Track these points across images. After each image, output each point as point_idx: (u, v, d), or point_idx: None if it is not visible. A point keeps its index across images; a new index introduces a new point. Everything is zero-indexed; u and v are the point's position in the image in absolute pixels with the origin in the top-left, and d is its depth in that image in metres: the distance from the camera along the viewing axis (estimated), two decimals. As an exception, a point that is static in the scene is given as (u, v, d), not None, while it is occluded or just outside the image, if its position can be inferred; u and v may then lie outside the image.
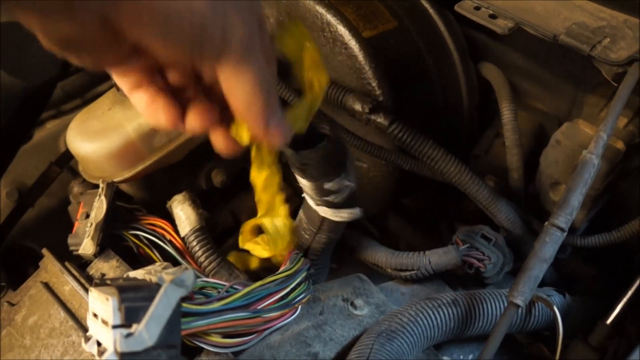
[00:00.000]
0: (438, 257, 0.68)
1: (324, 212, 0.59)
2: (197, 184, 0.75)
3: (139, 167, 0.66)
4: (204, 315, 0.47)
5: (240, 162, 0.82)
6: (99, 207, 0.60)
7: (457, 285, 0.75)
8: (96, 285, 0.45)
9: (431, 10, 0.79)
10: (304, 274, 0.58)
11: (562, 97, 0.82)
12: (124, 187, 0.70)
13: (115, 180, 0.65)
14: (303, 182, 0.55)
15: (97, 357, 0.42)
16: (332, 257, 0.70)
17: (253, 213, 1.01)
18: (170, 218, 0.67)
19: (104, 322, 0.41)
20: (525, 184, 0.79)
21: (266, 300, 0.53)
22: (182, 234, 0.64)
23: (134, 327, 0.41)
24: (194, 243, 0.64)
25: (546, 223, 0.55)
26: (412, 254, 0.69)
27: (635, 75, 0.57)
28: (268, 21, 0.83)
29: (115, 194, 0.63)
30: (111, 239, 0.62)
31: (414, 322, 0.57)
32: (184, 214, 0.65)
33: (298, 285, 0.57)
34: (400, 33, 0.76)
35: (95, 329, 0.42)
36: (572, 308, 0.69)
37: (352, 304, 0.63)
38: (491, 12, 0.64)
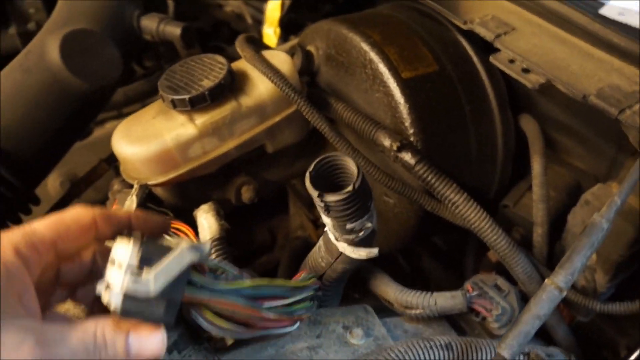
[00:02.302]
0: (444, 300, 0.68)
1: (343, 248, 0.61)
2: (226, 197, 0.79)
3: (172, 174, 0.71)
4: (208, 291, 0.49)
5: (274, 183, 0.86)
6: (129, 205, 0.65)
7: (466, 330, 0.75)
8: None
9: (475, 58, 0.80)
10: (311, 292, 0.60)
11: (601, 157, 0.81)
12: (157, 190, 0.75)
13: (149, 183, 0.70)
14: (325, 219, 0.58)
15: (102, 295, 0.44)
16: (356, 288, 0.72)
17: (290, 232, 1.04)
18: (194, 225, 0.71)
19: (119, 266, 0.44)
20: (551, 241, 0.78)
21: (271, 300, 0.54)
22: (202, 241, 0.68)
23: (144, 274, 0.43)
24: (212, 252, 0.67)
25: (546, 280, 0.54)
26: (419, 293, 0.69)
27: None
28: (317, 52, 0.87)
29: (147, 195, 0.68)
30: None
31: (401, 359, 0.58)
32: (207, 223, 0.69)
33: (303, 300, 0.58)
34: (439, 77, 0.78)
35: (109, 273, 0.44)
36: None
37: (350, 332, 0.64)
38: (524, 66, 0.65)
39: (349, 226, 0.56)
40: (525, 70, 0.65)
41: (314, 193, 0.53)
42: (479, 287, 0.72)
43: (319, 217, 0.98)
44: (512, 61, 0.66)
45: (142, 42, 0.88)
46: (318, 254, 0.66)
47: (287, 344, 0.60)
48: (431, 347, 0.59)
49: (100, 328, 0.41)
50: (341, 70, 0.82)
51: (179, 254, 0.45)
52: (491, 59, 0.67)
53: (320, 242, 0.66)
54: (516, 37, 0.68)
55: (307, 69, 0.85)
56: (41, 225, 0.44)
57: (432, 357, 0.59)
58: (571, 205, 0.77)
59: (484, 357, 0.61)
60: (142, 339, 0.42)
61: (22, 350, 0.37)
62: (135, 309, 0.43)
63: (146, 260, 0.44)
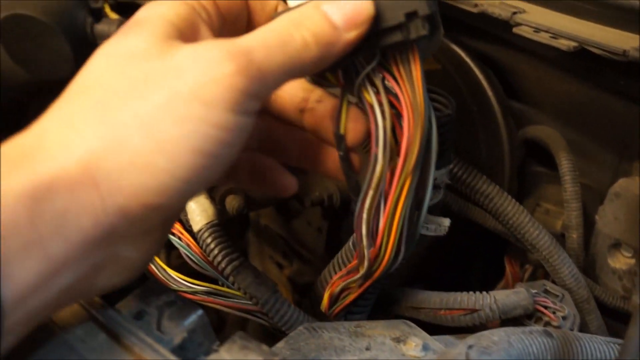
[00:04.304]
0: (506, 297, 0.55)
1: None
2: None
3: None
4: None
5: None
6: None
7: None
8: None
9: (471, 64, 0.77)
10: None
11: (604, 169, 0.77)
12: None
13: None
14: None
15: None
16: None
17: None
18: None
19: None
20: (584, 247, 0.69)
21: None
22: (196, 228, 0.52)
23: None
24: (209, 240, 0.51)
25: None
26: (470, 293, 0.56)
27: None
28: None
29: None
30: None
31: (506, 341, 0.43)
32: (200, 207, 0.53)
33: None
34: (443, 76, 0.73)
35: None
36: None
37: (404, 344, 0.48)
38: (552, 34, 0.62)
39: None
40: (554, 37, 0.61)
41: None
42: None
43: (288, 258, 0.83)
44: (537, 30, 0.63)
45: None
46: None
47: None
48: (530, 332, 0.46)
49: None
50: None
51: None
52: (515, 30, 0.63)
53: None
54: (531, 16, 0.65)
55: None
56: None
57: (534, 343, 0.45)
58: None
59: (586, 347, 0.47)
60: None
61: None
62: None
63: None
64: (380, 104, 0.39)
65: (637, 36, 0.59)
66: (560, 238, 0.71)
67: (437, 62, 0.74)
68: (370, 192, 0.41)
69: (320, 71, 0.38)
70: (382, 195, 0.41)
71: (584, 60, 0.66)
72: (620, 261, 0.68)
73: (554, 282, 0.65)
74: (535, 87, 0.79)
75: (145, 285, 0.39)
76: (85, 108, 0.32)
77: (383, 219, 0.42)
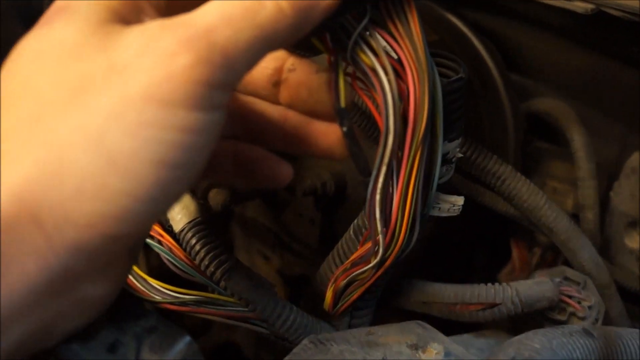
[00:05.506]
0: (528, 288, 0.50)
1: None
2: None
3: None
4: None
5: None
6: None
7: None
8: None
9: (470, 35, 0.71)
10: None
11: (610, 142, 0.72)
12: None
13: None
14: None
15: None
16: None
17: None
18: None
19: None
20: (600, 228, 0.64)
21: None
22: (177, 228, 0.45)
23: None
24: (193, 241, 0.44)
25: None
26: (490, 285, 0.50)
27: None
28: None
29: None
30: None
31: (548, 349, 0.37)
32: (180, 204, 0.46)
33: None
34: (441, 47, 0.67)
35: None
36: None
37: (424, 350, 0.43)
38: (565, -5, 0.56)
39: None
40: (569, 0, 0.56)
41: None
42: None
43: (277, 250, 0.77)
44: (549, -7, 0.57)
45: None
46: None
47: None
48: (571, 334, 0.40)
49: None
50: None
51: None
52: (524, -7, 0.57)
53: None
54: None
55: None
56: None
57: (577, 347, 0.39)
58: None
59: (629, 345, 0.42)
60: None
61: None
62: None
63: None
64: (383, 67, 0.33)
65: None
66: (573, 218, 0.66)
67: (435, 33, 0.68)
68: (383, 169, 0.36)
69: (301, 38, 0.32)
70: (393, 171, 0.37)
71: (594, 27, 0.61)
72: (638, 240, 0.64)
73: (568, 265, 0.60)
74: (536, 58, 0.74)
75: (117, 306, 0.32)
76: (14, 125, 0.26)
77: (396, 197, 0.38)
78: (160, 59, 0.25)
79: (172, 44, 0.26)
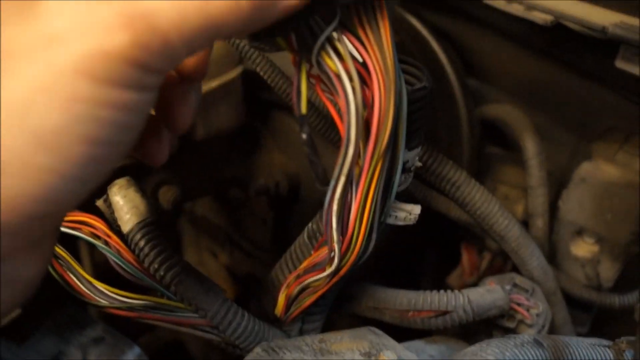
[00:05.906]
0: (480, 296, 0.50)
1: None
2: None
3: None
4: None
5: (198, 186, 0.62)
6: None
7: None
8: None
9: (429, 37, 0.70)
10: None
11: (561, 150, 0.74)
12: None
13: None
14: None
15: None
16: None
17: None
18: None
19: None
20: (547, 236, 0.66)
21: None
22: (126, 229, 0.42)
23: None
24: (142, 243, 0.42)
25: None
26: (442, 292, 0.50)
27: None
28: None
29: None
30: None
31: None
32: (129, 203, 0.43)
33: None
34: (402, 49, 0.66)
35: None
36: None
37: (376, 358, 0.42)
38: (526, 7, 0.57)
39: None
40: (530, 9, 0.56)
41: None
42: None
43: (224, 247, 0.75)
44: (510, 1, 0.57)
45: None
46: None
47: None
48: (522, 345, 0.41)
49: None
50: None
51: None
52: (486, 0, 0.57)
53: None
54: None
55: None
56: None
57: (528, 355, 0.40)
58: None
59: (576, 354, 0.43)
60: None
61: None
62: None
63: None
64: (348, 73, 0.32)
65: (616, 13, 0.55)
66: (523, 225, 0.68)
67: (395, 35, 0.67)
68: (342, 179, 0.34)
69: (259, 34, 0.30)
70: (352, 181, 0.35)
71: (552, 38, 0.62)
72: (583, 249, 0.66)
73: (516, 270, 0.61)
74: (495, 65, 0.75)
75: (60, 313, 0.30)
76: None
77: (355, 207, 0.36)
78: (96, 32, 0.23)
79: (110, 16, 0.24)
